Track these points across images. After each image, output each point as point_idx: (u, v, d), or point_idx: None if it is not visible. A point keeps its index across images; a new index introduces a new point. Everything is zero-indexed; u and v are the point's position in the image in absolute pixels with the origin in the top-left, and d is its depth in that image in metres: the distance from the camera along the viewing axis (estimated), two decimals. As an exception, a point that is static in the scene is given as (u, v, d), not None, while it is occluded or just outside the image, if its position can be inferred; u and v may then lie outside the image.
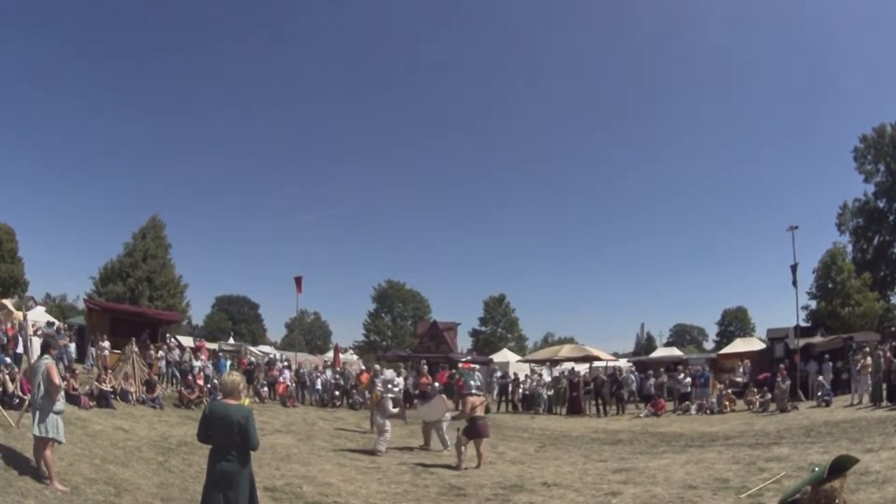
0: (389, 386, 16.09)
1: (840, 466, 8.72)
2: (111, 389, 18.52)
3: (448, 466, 13.31)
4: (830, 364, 24.99)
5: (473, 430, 13.15)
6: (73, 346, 24.83)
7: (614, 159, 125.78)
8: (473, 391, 14.60)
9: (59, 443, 8.91)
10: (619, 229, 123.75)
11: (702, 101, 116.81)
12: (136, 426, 15.46)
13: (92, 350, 26.01)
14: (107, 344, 24.74)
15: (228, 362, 29.28)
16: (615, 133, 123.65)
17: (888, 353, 22.12)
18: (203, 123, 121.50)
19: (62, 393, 8.99)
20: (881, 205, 53.96)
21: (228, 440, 6.23)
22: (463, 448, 13.08)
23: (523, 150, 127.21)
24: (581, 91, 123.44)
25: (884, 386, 20.62)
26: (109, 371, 20.04)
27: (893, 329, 47.67)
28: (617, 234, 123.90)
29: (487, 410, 14.50)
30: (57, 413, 8.68)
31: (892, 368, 20.69)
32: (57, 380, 8.62)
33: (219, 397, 7.00)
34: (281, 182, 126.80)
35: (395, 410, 15.85)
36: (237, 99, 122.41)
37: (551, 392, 29.40)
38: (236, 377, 6.86)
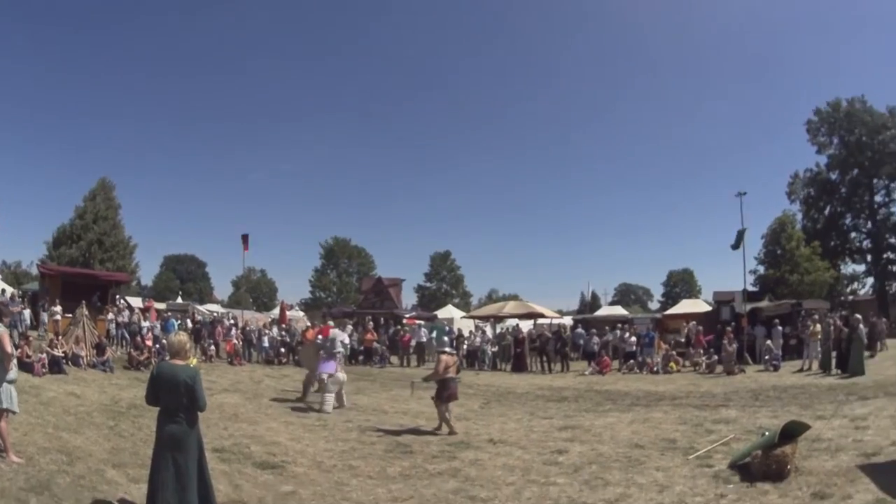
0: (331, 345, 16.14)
1: (791, 432, 8.81)
2: (63, 355, 18.61)
3: (383, 427, 13.22)
4: (780, 329, 25.49)
5: (448, 393, 12.82)
6: (27, 313, 24.72)
7: (562, 119, 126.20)
8: (447, 350, 14.14)
9: (13, 413, 8.60)
10: (565, 188, 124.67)
11: (655, 64, 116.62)
12: (88, 391, 15.54)
13: (44, 315, 25.81)
14: (58, 308, 24.50)
15: (176, 322, 28.99)
16: (564, 93, 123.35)
17: (838, 322, 22.62)
18: (150, 85, 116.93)
19: (15, 361, 8.64)
20: (833, 177, 55.79)
21: (176, 402, 6.31)
22: (447, 413, 12.74)
23: (471, 110, 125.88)
24: (528, 52, 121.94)
25: (833, 354, 21.10)
26: (61, 336, 20.16)
27: (843, 298, 49.38)
28: (562, 192, 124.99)
29: (459, 370, 14.17)
30: (10, 382, 8.37)
31: (841, 337, 21.16)
32: (9, 348, 8.28)
33: (167, 358, 7.09)
34: (229, 140, 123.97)
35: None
36: (185, 60, 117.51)
37: (496, 348, 29.53)
38: (183, 337, 6.90)
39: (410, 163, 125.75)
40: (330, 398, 15.21)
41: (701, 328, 27.35)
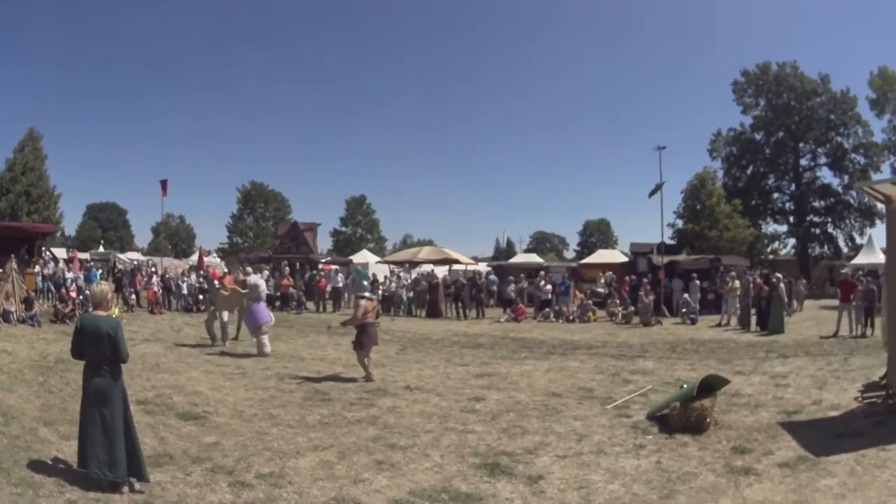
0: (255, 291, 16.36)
1: (710, 386, 8.94)
2: (-6, 311, 19.16)
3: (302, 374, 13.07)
4: (698, 283, 26.16)
5: (368, 339, 12.64)
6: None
7: (479, 63, 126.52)
8: (366, 294, 13.90)
9: None
10: (482, 133, 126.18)
11: (577, 9, 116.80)
12: (18, 347, 15.71)
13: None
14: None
15: (99, 272, 29.14)
16: (481, 37, 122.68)
17: (758, 280, 23.25)
18: (66, 28, 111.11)
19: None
20: (758, 137, 57.48)
21: (100, 354, 6.32)
22: (367, 360, 12.58)
23: (388, 52, 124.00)
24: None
25: (753, 311, 21.69)
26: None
27: (763, 257, 50.98)
28: (479, 137, 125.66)
29: (378, 315, 13.98)
30: None
31: (761, 295, 21.77)
32: None
33: (90, 309, 7.01)
34: (145, 84, 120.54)
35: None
36: (98, 4, 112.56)
37: (411, 294, 29.50)
38: (104, 287, 6.96)
39: (326, 105, 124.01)
40: (265, 339, 15.42)
41: (627, 278, 27.80)
